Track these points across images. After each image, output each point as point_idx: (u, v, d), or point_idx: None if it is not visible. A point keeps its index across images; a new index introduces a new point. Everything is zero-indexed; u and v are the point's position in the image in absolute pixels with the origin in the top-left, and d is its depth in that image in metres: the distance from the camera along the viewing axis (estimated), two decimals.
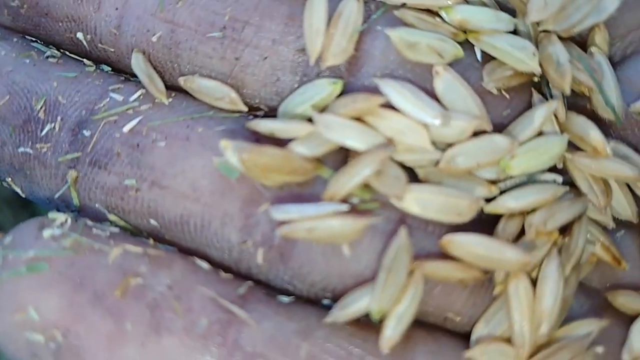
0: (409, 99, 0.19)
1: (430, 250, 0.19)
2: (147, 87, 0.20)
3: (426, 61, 0.19)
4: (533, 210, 0.19)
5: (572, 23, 0.20)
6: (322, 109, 0.19)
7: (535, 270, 0.19)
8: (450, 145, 0.19)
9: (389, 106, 0.19)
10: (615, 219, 0.20)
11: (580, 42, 0.20)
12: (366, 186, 0.19)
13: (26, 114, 0.21)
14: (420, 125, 0.19)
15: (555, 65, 0.19)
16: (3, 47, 0.22)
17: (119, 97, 0.20)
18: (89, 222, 0.19)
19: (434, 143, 0.19)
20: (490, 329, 0.19)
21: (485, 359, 0.18)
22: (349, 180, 0.19)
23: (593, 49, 0.20)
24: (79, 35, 0.22)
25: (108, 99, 0.20)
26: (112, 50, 0.21)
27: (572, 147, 0.19)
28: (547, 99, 0.20)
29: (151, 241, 0.19)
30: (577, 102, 0.20)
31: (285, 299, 0.19)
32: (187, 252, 0.19)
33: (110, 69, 0.22)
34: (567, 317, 0.19)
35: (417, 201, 0.18)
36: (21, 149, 0.21)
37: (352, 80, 0.20)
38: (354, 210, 0.19)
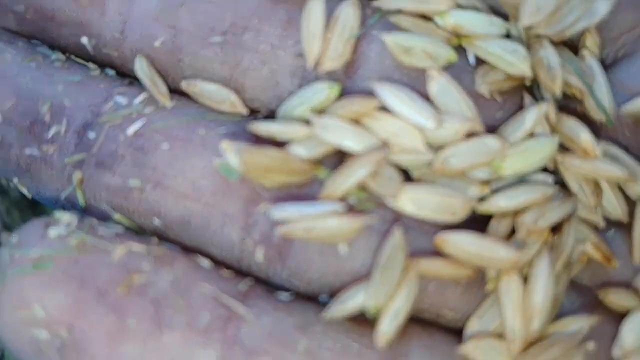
0: (404, 101, 0.19)
1: (424, 249, 0.19)
2: (151, 90, 0.21)
3: (421, 65, 0.20)
4: (524, 210, 0.19)
5: (564, 27, 0.20)
6: (320, 112, 0.20)
7: (527, 268, 0.19)
8: (443, 146, 0.19)
9: (384, 109, 0.20)
10: (605, 218, 0.20)
11: (572, 45, 0.21)
12: (362, 186, 0.19)
13: (32, 117, 0.21)
14: (414, 128, 0.19)
15: (546, 68, 0.20)
16: (9, 51, 0.22)
17: (123, 101, 0.21)
18: (94, 222, 0.20)
19: (428, 144, 0.19)
20: (482, 325, 0.19)
21: (478, 354, 0.19)
22: (345, 180, 0.19)
23: (584, 52, 0.20)
24: (84, 39, 0.22)
25: (113, 102, 0.21)
26: (116, 54, 0.22)
27: (563, 148, 0.20)
28: (538, 102, 0.20)
29: (155, 240, 0.20)
30: (569, 105, 0.20)
31: (284, 296, 0.19)
32: (189, 250, 0.20)
33: (114, 72, 0.22)
34: (558, 314, 0.19)
35: (412, 201, 0.19)
36: (28, 151, 0.21)
37: (349, 84, 0.20)
38: (350, 210, 0.19)
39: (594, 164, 0.19)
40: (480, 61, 0.20)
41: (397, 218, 0.19)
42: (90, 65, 0.22)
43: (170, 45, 0.21)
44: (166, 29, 0.21)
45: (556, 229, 0.19)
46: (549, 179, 0.20)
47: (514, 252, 0.18)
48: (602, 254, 0.20)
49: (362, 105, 0.20)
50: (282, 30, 0.21)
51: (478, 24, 0.20)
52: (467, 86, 0.20)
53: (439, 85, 0.20)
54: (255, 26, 0.21)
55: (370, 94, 0.20)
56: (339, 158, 0.20)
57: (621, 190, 0.20)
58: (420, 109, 0.19)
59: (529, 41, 0.20)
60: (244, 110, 0.21)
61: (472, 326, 0.19)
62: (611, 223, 0.20)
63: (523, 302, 0.19)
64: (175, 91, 0.21)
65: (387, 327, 0.19)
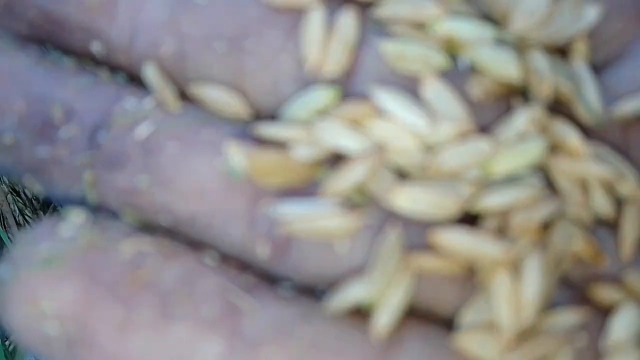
0: (400, 105, 0.20)
1: (419, 245, 0.20)
2: (159, 94, 0.22)
3: (415, 70, 0.20)
4: (515, 208, 0.20)
5: (554, 32, 0.21)
6: (320, 115, 0.21)
7: (518, 264, 0.20)
8: (437, 148, 0.20)
9: (381, 111, 0.20)
10: (594, 217, 0.21)
11: (563, 50, 0.21)
12: (360, 186, 0.20)
13: (43, 119, 0.22)
14: (409, 130, 0.20)
15: (536, 73, 0.20)
16: (20, 56, 0.22)
17: (132, 104, 0.22)
18: (104, 220, 0.21)
19: (422, 146, 0.20)
20: (475, 318, 0.20)
21: (470, 346, 0.19)
22: (343, 180, 0.20)
23: (575, 57, 0.21)
24: (93, 45, 0.22)
25: (122, 105, 0.21)
26: (125, 59, 0.22)
27: (553, 148, 0.20)
28: (529, 105, 0.21)
29: (162, 237, 0.21)
30: (559, 108, 0.21)
31: (286, 290, 0.20)
32: (195, 246, 0.21)
33: (124, 77, 0.23)
34: (548, 309, 0.20)
35: (407, 200, 0.20)
36: (39, 153, 0.22)
37: (348, 88, 0.21)
38: (349, 209, 0.20)
39: (584, 164, 0.20)
40: (472, 66, 0.21)
41: (393, 216, 0.20)
42: (100, 69, 0.23)
43: (176, 50, 0.22)
44: (172, 34, 0.22)
45: (546, 227, 0.20)
46: (539, 178, 0.20)
47: (505, 248, 0.19)
48: (591, 252, 0.20)
49: (360, 109, 0.20)
50: (284, 37, 0.21)
51: (470, 30, 0.21)
52: (460, 90, 0.20)
53: (433, 89, 0.20)
54: (258, 31, 0.21)
55: (367, 97, 0.21)
56: (338, 159, 0.21)
57: (610, 189, 0.21)
58: (415, 112, 0.20)
59: (519, 46, 0.21)
60: (247, 114, 0.22)
61: (465, 319, 0.20)
62: (600, 221, 0.21)
63: (514, 296, 0.19)
64: (181, 95, 0.22)
65: (384, 319, 0.19)
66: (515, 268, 0.20)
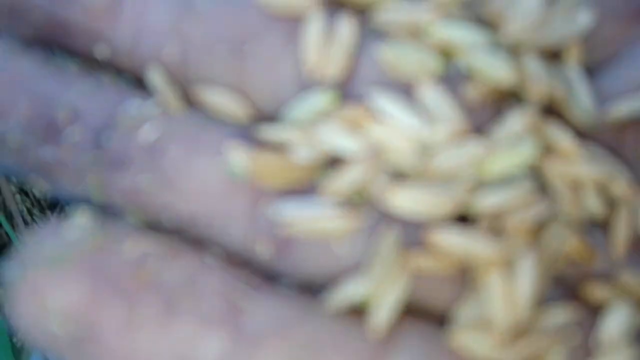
0: (397, 107, 0.21)
1: (416, 244, 0.20)
2: (162, 97, 0.22)
3: (412, 74, 0.21)
4: (509, 209, 0.20)
5: (548, 35, 0.21)
6: (320, 117, 0.21)
7: (513, 263, 0.20)
8: (434, 149, 0.21)
9: (379, 114, 0.21)
10: (587, 217, 0.21)
11: (557, 53, 0.22)
12: (358, 187, 0.21)
13: (48, 122, 0.22)
14: (406, 132, 0.20)
15: (530, 76, 0.21)
16: (25, 59, 0.23)
17: (135, 107, 0.22)
18: (109, 220, 0.21)
19: (419, 148, 0.21)
20: (470, 316, 0.20)
21: (465, 343, 0.20)
22: (342, 182, 0.20)
23: (568, 60, 0.21)
24: (97, 48, 0.23)
25: (125, 108, 0.22)
26: (129, 63, 0.23)
27: (546, 150, 0.21)
28: (523, 107, 0.21)
29: (165, 236, 0.21)
30: (552, 110, 0.21)
31: (285, 289, 0.21)
32: (198, 246, 0.21)
33: (127, 79, 0.23)
34: (540, 308, 0.20)
35: (404, 200, 0.20)
36: (44, 154, 0.22)
37: (346, 91, 0.22)
38: (347, 210, 0.21)
39: (577, 165, 0.21)
40: (467, 70, 0.21)
41: (391, 216, 0.21)
42: (104, 72, 0.23)
43: (178, 54, 0.22)
44: (175, 38, 0.22)
45: (540, 227, 0.20)
46: (533, 179, 0.21)
47: (499, 247, 0.20)
48: (584, 252, 0.21)
49: (358, 111, 0.21)
50: (284, 41, 0.22)
51: (465, 34, 0.21)
52: (455, 93, 0.21)
53: (429, 92, 0.21)
54: (259, 37, 0.22)
55: (365, 100, 0.21)
56: (337, 161, 0.21)
57: (603, 190, 0.21)
58: (412, 115, 0.21)
59: (513, 50, 0.21)
60: (248, 116, 0.22)
61: (460, 317, 0.20)
62: (592, 221, 0.21)
63: (508, 294, 0.20)
64: (185, 97, 0.22)
65: (382, 317, 0.20)
66: (509, 267, 0.20)
